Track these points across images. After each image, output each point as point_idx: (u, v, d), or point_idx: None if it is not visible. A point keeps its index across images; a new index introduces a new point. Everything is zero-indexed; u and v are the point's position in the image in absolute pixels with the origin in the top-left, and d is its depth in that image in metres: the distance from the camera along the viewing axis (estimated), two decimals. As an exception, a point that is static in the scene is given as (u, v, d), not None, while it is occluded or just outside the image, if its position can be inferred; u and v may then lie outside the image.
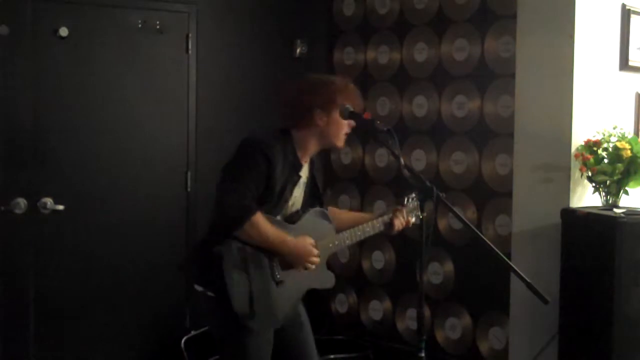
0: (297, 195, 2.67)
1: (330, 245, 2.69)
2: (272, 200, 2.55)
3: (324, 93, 2.59)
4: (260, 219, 2.48)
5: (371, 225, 2.77)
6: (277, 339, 2.68)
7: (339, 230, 2.74)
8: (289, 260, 2.57)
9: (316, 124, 2.60)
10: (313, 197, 2.76)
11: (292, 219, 2.66)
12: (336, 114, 2.58)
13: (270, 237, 2.51)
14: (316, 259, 2.60)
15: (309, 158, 2.71)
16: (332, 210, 2.90)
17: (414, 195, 2.85)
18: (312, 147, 2.66)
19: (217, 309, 2.58)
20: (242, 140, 2.58)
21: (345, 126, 2.62)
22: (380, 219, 2.80)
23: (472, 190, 3.94)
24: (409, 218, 2.84)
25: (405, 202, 2.85)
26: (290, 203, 2.64)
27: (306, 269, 2.60)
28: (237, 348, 2.59)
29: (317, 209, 2.74)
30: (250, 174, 2.49)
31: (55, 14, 3.61)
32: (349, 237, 2.73)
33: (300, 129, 2.62)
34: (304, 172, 2.68)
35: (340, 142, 2.66)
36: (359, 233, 2.75)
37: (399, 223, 2.81)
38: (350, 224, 2.77)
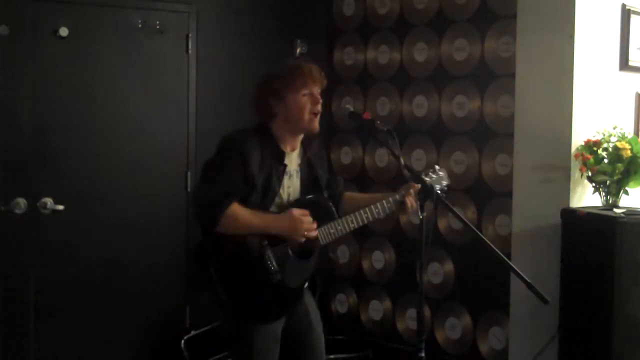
0: (291, 185, 2.65)
1: (332, 231, 2.62)
2: (257, 192, 2.54)
3: (272, 82, 2.60)
4: (236, 208, 2.48)
5: (380, 206, 2.65)
6: (285, 339, 2.67)
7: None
8: (286, 235, 2.53)
9: (276, 114, 2.61)
10: (313, 186, 2.72)
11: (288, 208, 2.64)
12: (291, 98, 2.57)
13: (253, 222, 2.51)
14: (311, 225, 2.53)
15: (297, 146, 2.68)
16: (348, 195, 2.88)
17: (436, 167, 2.77)
18: (287, 135, 2.63)
19: (218, 307, 2.59)
20: (219, 140, 2.61)
21: (306, 105, 2.57)
22: (390, 198, 2.68)
23: (472, 190, 3.94)
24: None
25: (431, 174, 2.74)
26: (283, 193, 2.62)
27: (308, 238, 2.54)
28: (243, 344, 2.59)
29: (313, 196, 2.69)
30: (224, 171, 2.51)
31: (55, 14, 3.61)
32: (353, 220, 2.63)
33: (270, 121, 2.63)
34: (292, 161, 2.66)
35: (306, 123, 2.59)
36: (366, 215, 2.63)
37: (411, 200, 2.66)
38: (363, 206, 2.67)
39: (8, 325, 3.57)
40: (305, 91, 2.58)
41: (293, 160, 2.67)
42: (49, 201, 3.58)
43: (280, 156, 2.61)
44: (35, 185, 3.58)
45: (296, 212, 2.55)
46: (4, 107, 3.52)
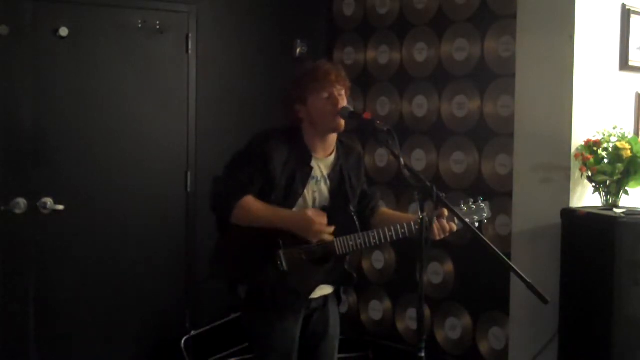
0: (317, 190, 2.64)
1: (351, 243, 2.57)
2: (278, 191, 2.56)
3: (294, 87, 2.63)
4: (249, 200, 2.53)
5: (407, 226, 2.56)
6: (300, 339, 2.70)
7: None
8: (299, 234, 2.53)
9: (301, 118, 2.63)
10: (342, 197, 2.69)
11: None
12: (312, 101, 2.58)
13: (264, 215, 2.53)
14: (325, 227, 2.52)
15: (330, 152, 2.67)
16: (382, 211, 2.86)
17: (477, 200, 2.66)
18: (316, 138, 2.64)
19: (235, 300, 2.66)
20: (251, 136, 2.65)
21: (326, 108, 2.56)
22: (412, 222, 2.56)
23: (472, 190, 3.94)
24: (451, 224, 2.55)
25: (462, 205, 2.64)
26: (308, 197, 2.62)
27: (321, 239, 2.53)
28: (260, 341, 2.66)
29: (338, 205, 2.66)
30: (244, 168, 2.55)
31: (55, 14, 3.61)
32: (375, 236, 2.55)
33: (299, 124, 2.65)
34: (322, 167, 2.65)
35: (330, 123, 2.58)
36: (390, 233, 2.56)
37: (436, 227, 2.53)
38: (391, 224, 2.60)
39: (8, 325, 3.57)
40: (325, 94, 2.58)
41: (322, 166, 2.66)
42: (49, 201, 3.58)
43: (307, 158, 2.62)
44: (35, 185, 3.58)
45: (311, 211, 2.55)
46: (4, 107, 3.52)
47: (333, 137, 2.68)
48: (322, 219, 2.54)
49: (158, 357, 3.96)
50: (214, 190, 2.61)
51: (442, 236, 2.57)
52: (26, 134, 3.58)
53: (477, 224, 2.68)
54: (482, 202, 2.69)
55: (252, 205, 2.54)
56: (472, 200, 2.68)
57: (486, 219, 2.71)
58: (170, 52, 3.96)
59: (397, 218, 2.73)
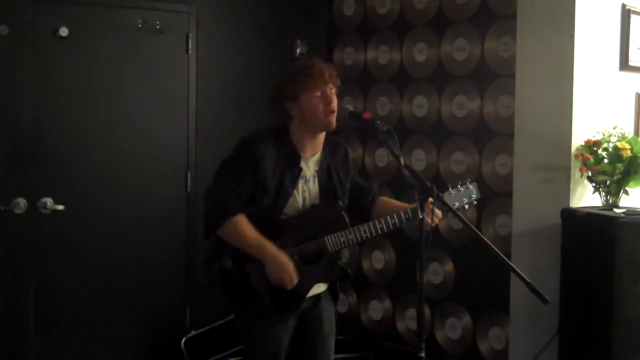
0: (307, 189, 2.63)
1: (342, 239, 2.58)
2: (269, 193, 2.54)
3: (285, 85, 2.61)
4: (241, 221, 2.51)
5: (397, 217, 2.59)
6: (295, 338, 2.71)
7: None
8: (269, 272, 2.53)
9: (292, 116, 2.61)
10: (332, 193, 2.69)
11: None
12: (305, 98, 2.56)
13: (249, 242, 2.52)
14: (292, 281, 2.53)
15: (317, 150, 2.66)
16: (381, 200, 2.84)
17: (465, 182, 2.68)
18: (306, 136, 2.62)
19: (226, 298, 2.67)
20: (238, 140, 2.62)
21: (319, 106, 2.55)
22: (409, 209, 2.60)
23: (472, 190, 3.94)
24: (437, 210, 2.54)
25: (450, 189, 2.66)
26: (298, 197, 2.61)
27: (280, 285, 2.53)
28: (249, 342, 2.68)
29: (327, 203, 2.66)
30: (235, 174, 2.53)
31: (55, 14, 3.61)
32: (366, 230, 2.58)
33: (288, 122, 2.63)
34: (309, 166, 2.64)
35: (322, 121, 2.57)
36: (380, 225, 2.58)
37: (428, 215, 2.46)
38: (388, 214, 2.62)
39: (8, 325, 3.57)
40: (317, 92, 2.57)
41: (311, 165, 2.65)
42: (49, 201, 3.58)
43: (295, 159, 2.60)
44: (35, 185, 3.58)
45: (289, 265, 2.52)
46: (4, 107, 3.52)
47: (322, 136, 2.66)
48: (294, 276, 2.53)
49: (158, 357, 3.96)
50: (206, 202, 2.57)
51: (436, 221, 2.56)
52: (26, 134, 3.58)
53: (467, 207, 2.71)
54: (469, 183, 2.71)
55: (242, 228, 2.51)
56: (459, 182, 2.69)
57: (475, 199, 2.74)
58: (170, 52, 3.96)
59: (391, 207, 2.72)
